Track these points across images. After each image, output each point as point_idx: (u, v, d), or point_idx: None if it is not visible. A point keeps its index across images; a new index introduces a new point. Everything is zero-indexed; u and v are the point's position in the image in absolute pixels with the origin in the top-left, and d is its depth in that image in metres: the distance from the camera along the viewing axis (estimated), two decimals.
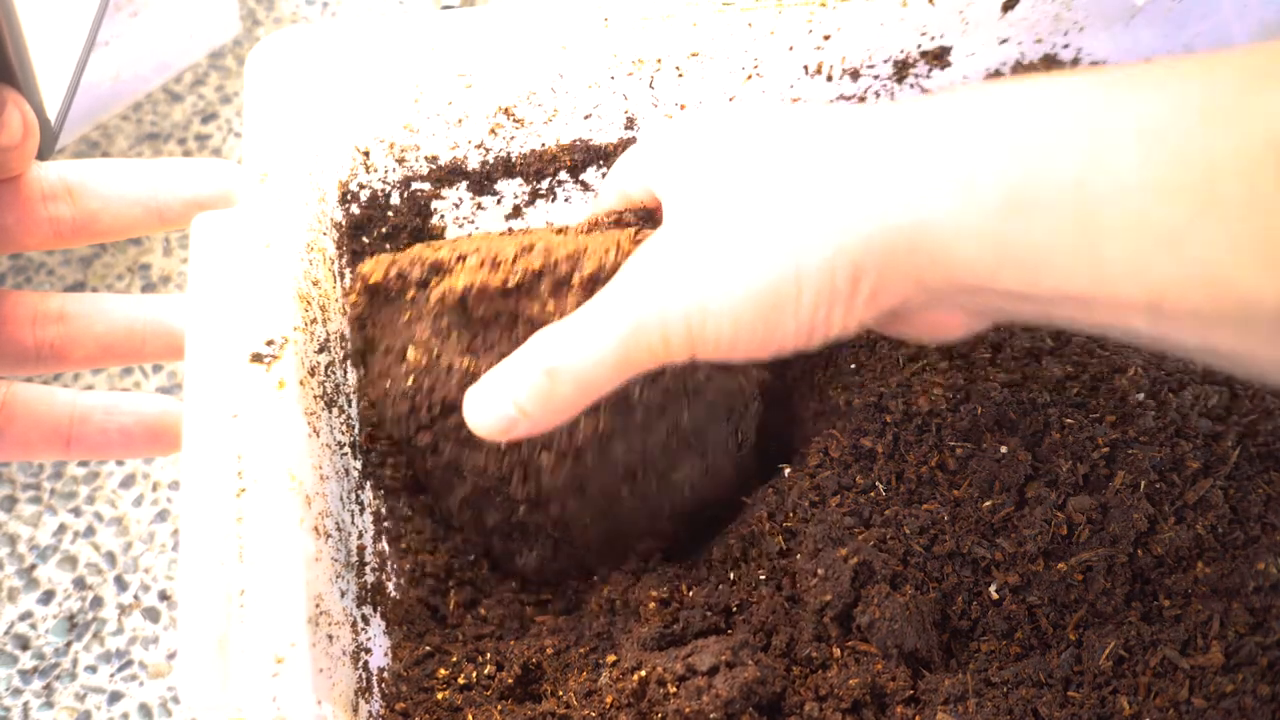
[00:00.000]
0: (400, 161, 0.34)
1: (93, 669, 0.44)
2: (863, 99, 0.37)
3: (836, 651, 0.28)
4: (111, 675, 0.44)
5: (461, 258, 0.30)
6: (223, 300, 0.25)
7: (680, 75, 0.35)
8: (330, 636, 0.25)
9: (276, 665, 0.22)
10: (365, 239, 0.35)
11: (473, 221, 0.37)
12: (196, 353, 0.25)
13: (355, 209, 0.35)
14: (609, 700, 0.28)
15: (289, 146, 0.29)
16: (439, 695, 0.28)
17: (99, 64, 0.56)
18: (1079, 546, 0.28)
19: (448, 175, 0.35)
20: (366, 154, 0.34)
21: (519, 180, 0.37)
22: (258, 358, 0.25)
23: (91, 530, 0.47)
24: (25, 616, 0.45)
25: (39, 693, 0.43)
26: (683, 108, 0.36)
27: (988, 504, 0.29)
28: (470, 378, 0.30)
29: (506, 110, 0.34)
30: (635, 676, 0.27)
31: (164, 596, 0.46)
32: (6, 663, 0.44)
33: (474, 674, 0.29)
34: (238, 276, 0.26)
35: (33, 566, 0.46)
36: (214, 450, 0.24)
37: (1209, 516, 0.28)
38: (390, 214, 0.36)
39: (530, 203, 0.37)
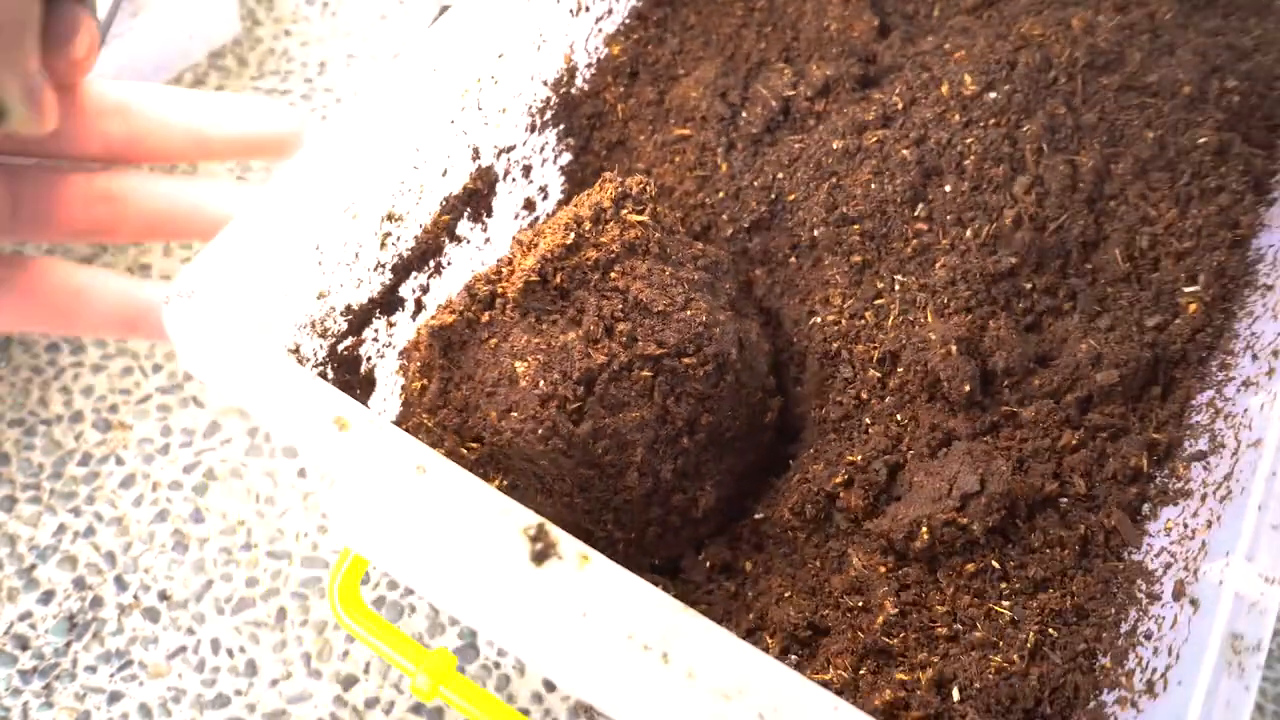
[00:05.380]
0: (324, 334, 0.32)
1: (92, 669, 0.44)
2: None
3: None
4: (111, 675, 0.44)
5: (508, 260, 0.31)
6: None
7: (496, 82, 0.36)
8: None
9: None
10: None
11: (391, 345, 0.36)
12: None
13: None
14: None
15: (230, 383, 0.27)
16: None
17: (99, 63, 0.56)
18: None
19: (362, 314, 0.34)
20: (297, 350, 0.31)
21: (415, 273, 0.36)
22: None
23: (91, 530, 0.47)
24: (25, 616, 0.45)
25: (39, 693, 0.43)
26: (503, 111, 0.37)
27: None
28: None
29: (389, 215, 0.33)
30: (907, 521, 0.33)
31: (164, 596, 0.46)
32: (6, 663, 0.44)
33: None
34: None
35: (32, 566, 0.46)
36: None
37: None
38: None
39: (426, 290, 0.37)
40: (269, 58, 0.64)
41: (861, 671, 0.30)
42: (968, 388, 0.34)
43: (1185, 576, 0.30)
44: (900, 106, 0.39)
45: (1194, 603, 0.28)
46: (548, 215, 0.41)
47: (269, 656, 0.44)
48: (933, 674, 0.30)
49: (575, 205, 0.33)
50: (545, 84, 0.40)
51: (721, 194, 0.40)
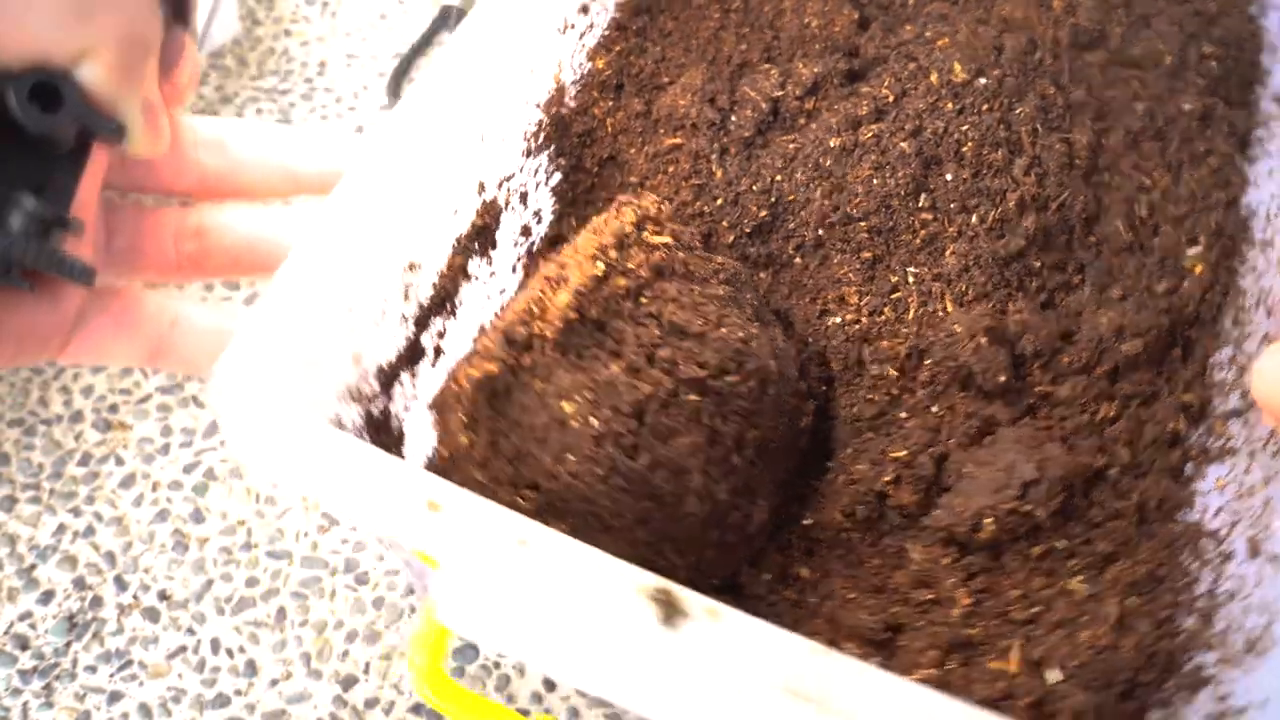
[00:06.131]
0: (358, 399, 0.31)
1: (92, 669, 0.44)
2: None
3: None
4: (111, 675, 0.44)
5: (538, 299, 0.30)
6: None
7: None
8: None
9: None
10: None
11: (415, 398, 0.35)
12: None
13: None
14: None
15: (294, 475, 0.25)
16: None
17: None
18: None
19: (391, 371, 0.33)
20: (339, 421, 0.30)
21: (434, 319, 0.35)
22: None
23: (91, 530, 0.47)
24: (25, 616, 0.45)
25: (38, 693, 0.43)
26: (504, 140, 0.38)
27: None
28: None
29: (410, 265, 0.33)
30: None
31: (164, 596, 0.46)
32: (6, 663, 0.44)
33: None
34: None
35: (32, 566, 0.46)
36: None
37: None
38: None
39: (444, 334, 0.36)
40: (269, 58, 0.64)
41: (949, 665, 0.30)
42: (1003, 378, 0.35)
43: (1257, 533, 0.30)
44: (892, 99, 0.39)
45: (1274, 559, 0.29)
46: (543, 238, 0.41)
47: (269, 656, 0.45)
48: (1024, 657, 0.30)
49: (595, 233, 0.32)
50: (538, 106, 0.39)
51: (720, 200, 0.40)
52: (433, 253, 0.34)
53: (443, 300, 0.35)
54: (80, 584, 0.46)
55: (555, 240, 0.41)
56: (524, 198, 0.40)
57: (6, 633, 0.44)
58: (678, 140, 0.41)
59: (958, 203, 0.38)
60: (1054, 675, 0.29)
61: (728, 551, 0.34)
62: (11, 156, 0.23)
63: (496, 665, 0.45)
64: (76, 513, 0.47)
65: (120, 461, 0.49)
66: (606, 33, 0.44)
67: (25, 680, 0.43)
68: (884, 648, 0.32)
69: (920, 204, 0.38)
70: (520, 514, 0.24)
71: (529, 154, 0.39)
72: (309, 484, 0.24)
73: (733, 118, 0.41)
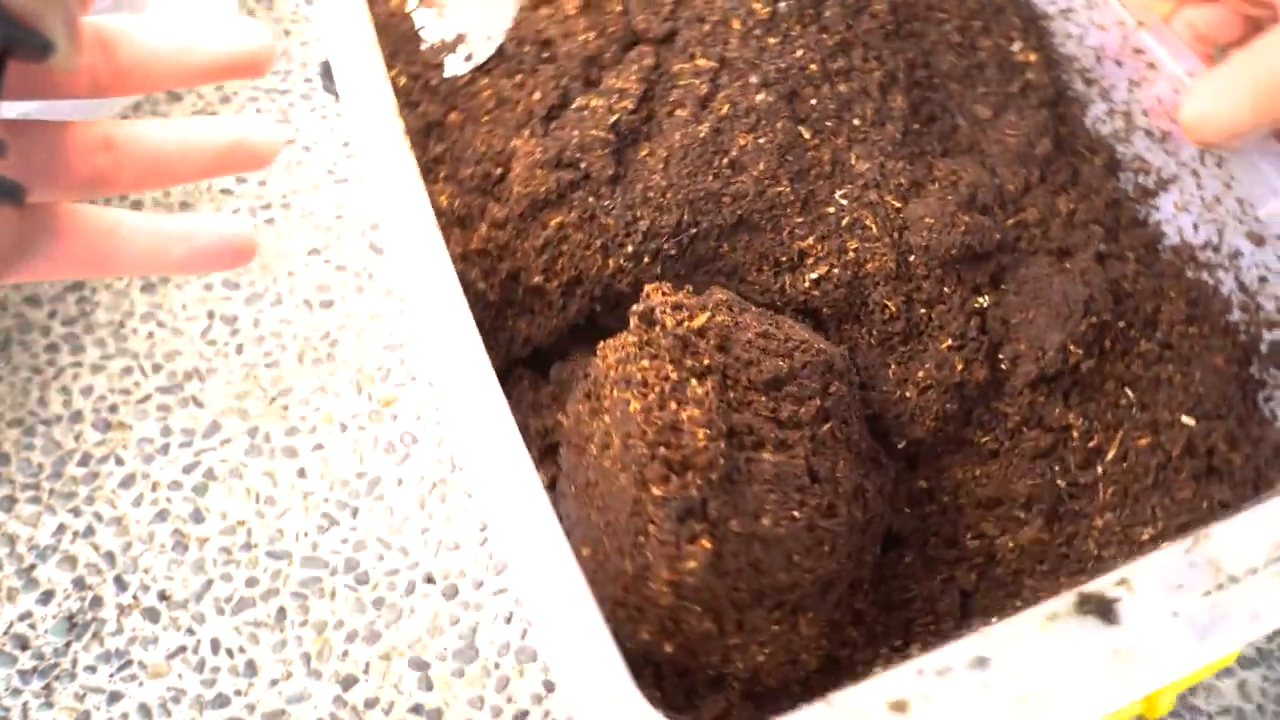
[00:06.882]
0: None
1: (92, 669, 0.44)
2: None
3: None
4: (111, 675, 0.44)
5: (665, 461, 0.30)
6: None
7: None
8: None
9: None
10: None
11: None
12: None
13: None
14: None
15: None
16: None
17: None
18: None
19: None
20: None
21: None
22: None
23: (91, 530, 0.47)
24: (24, 616, 0.45)
25: (38, 693, 0.43)
26: None
27: None
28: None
29: None
30: None
31: (163, 596, 0.46)
32: (6, 663, 0.44)
33: None
34: None
35: (32, 566, 0.46)
36: None
37: None
38: None
39: None
40: None
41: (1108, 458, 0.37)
42: (998, 236, 0.38)
43: (1250, 228, 0.39)
44: (718, 65, 0.39)
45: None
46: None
47: (269, 656, 0.45)
48: (1155, 419, 0.37)
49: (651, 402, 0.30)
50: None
51: (629, 246, 0.38)
52: None
53: None
54: (80, 584, 0.46)
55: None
56: None
57: (6, 633, 0.44)
58: (556, 218, 0.38)
59: (834, 119, 0.39)
60: (1189, 420, 0.37)
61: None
62: None
63: (497, 665, 0.45)
64: (76, 513, 0.47)
65: (120, 462, 0.49)
66: (430, 179, 0.41)
67: (25, 680, 0.43)
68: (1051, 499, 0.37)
69: (808, 137, 0.39)
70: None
71: None
72: None
73: (583, 163, 0.38)
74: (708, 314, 0.32)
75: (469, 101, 0.41)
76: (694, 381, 0.30)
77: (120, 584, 0.46)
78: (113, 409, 0.50)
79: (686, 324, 0.32)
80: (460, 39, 0.41)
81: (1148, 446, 0.37)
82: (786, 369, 0.32)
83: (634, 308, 0.32)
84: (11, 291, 0.52)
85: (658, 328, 0.31)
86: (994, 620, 0.25)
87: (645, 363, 0.31)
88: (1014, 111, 0.43)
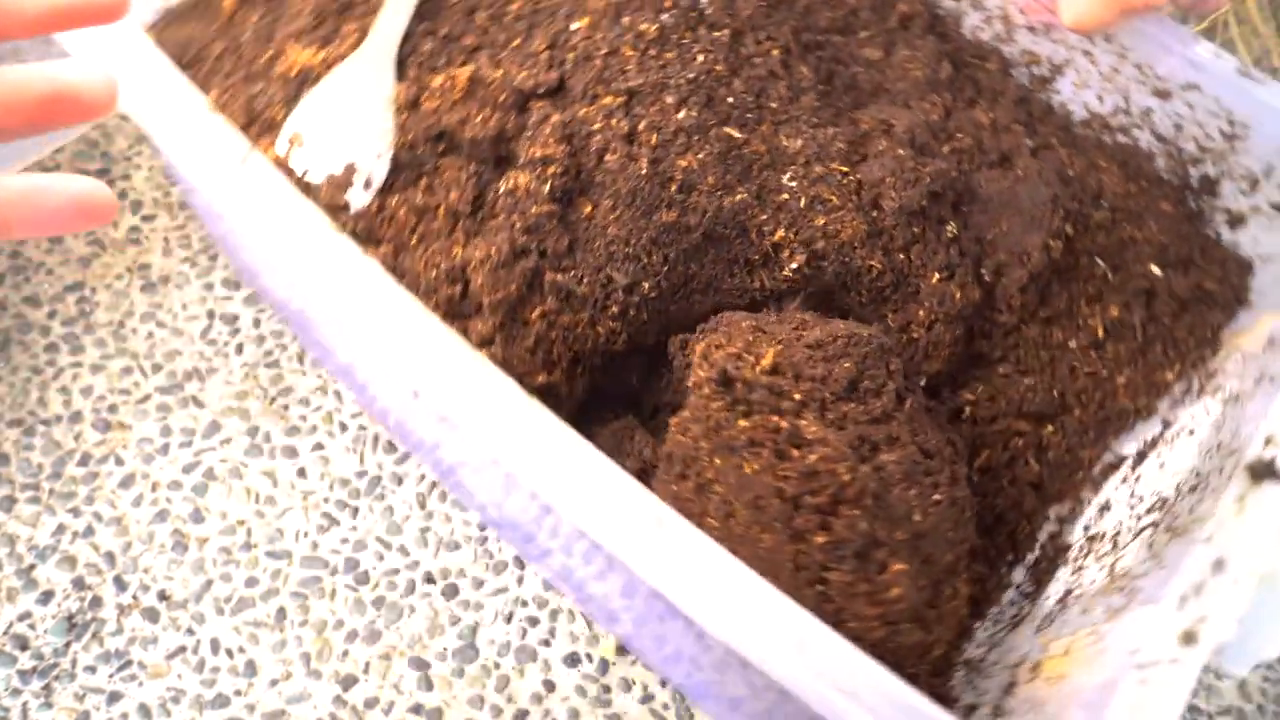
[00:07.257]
0: None
1: (92, 669, 0.44)
2: None
3: None
4: (111, 675, 0.44)
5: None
6: None
7: None
8: None
9: None
10: None
11: None
12: None
13: None
14: None
15: None
16: None
17: None
18: None
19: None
20: None
21: None
22: None
23: (90, 530, 0.47)
24: (24, 617, 0.45)
25: (38, 693, 0.43)
26: None
27: None
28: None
29: None
30: None
31: (163, 596, 0.46)
32: (5, 663, 0.44)
33: None
34: None
35: (32, 566, 0.46)
36: None
37: None
38: None
39: None
40: None
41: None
42: (954, 172, 0.40)
43: (1161, 84, 0.43)
44: (626, 98, 0.39)
45: (1190, 87, 0.43)
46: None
47: (268, 656, 0.44)
48: (1133, 286, 0.42)
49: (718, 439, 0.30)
50: None
51: (594, 304, 0.37)
52: None
53: None
54: (80, 584, 0.46)
55: None
56: None
57: (6, 633, 0.44)
58: (536, 311, 0.37)
59: (754, 110, 0.40)
60: (1156, 270, 0.41)
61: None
62: None
63: (496, 665, 0.45)
64: (76, 513, 0.47)
65: (120, 462, 0.49)
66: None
67: (25, 680, 0.43)
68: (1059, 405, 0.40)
69: (740, 136, 0.39)
70: None
71: None
72: None
73: (535, 244, 0.37)
74: (773, 347, 0.32)
75: (387, 229, 0.37)
76: (803, 422, 0.29)
77: (120, 584, 0.46)
78: (112, 409, 0.50)
79: (760, 367, 0.31)
80: (350, 169, 0.37)
81: (1134, 300, 0.41)
82: (854, 369, 0.32)
83: (697, 375, 0.31)
84: (11, 291, 0.52)
85: (738, 385, 0.30)
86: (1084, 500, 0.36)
87: (743, 423, 0.29)
88: (904, 46, 0.45)
